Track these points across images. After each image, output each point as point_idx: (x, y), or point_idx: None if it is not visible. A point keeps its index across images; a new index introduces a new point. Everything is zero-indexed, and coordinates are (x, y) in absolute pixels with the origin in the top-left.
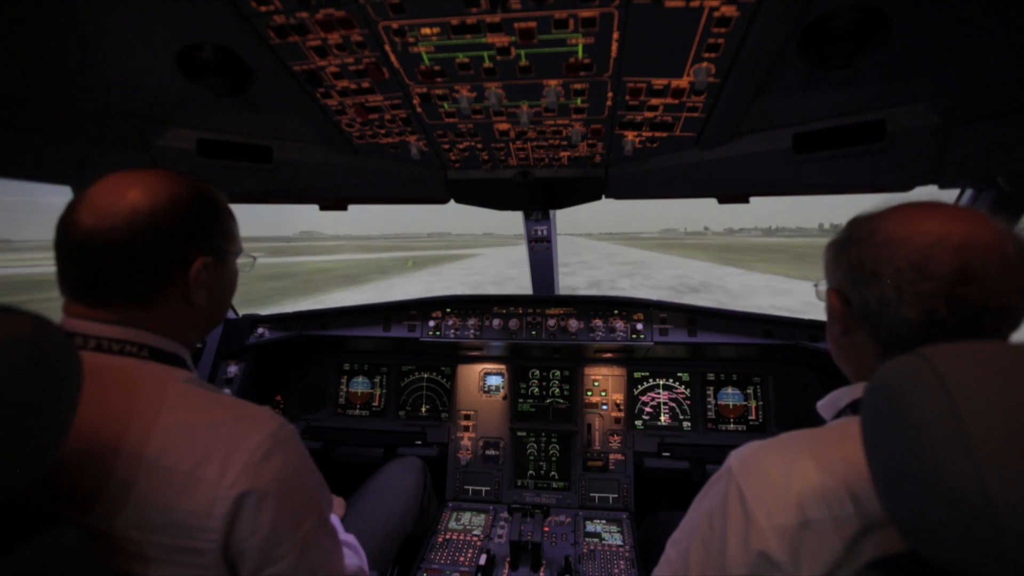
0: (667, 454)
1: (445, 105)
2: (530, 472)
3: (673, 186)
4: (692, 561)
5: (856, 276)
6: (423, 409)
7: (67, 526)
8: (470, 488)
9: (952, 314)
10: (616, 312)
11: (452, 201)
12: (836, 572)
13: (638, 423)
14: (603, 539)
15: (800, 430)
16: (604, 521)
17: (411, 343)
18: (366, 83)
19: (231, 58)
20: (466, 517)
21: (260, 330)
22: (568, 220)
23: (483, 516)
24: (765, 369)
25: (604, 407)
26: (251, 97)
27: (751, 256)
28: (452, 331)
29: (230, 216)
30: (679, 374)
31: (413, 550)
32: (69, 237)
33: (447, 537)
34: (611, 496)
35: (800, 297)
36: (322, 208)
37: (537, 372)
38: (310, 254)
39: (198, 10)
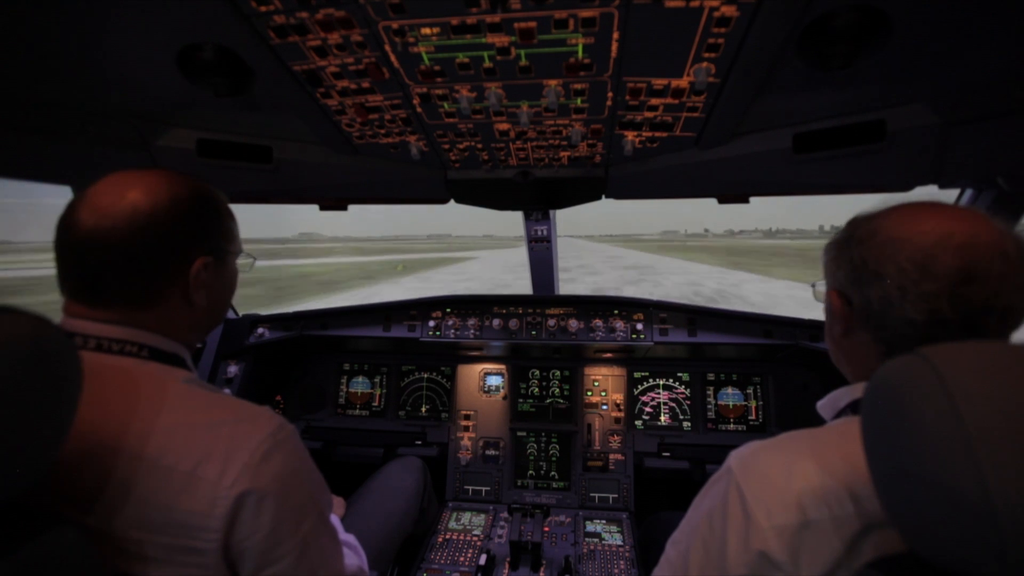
0: (667, 454)
1: (445, 105)
2: (530, 472)
3: (673, 186)
4: (692, 561)
5: (858, 276)
6: (423, 409)
7: (67, 526)
8: (470, 488)
9: (956, 314)
10: (616, 312)
11: (452, 201)
12: (836, 572)
13: (638, 423)
14: (603, 539)
15: (800, 430)
16: (604, 521)
17: (411, 343)
18: (366, 83)
19: (231, 58)
20: (466, 517)
21: (260, 330)
22: (568, 221)
23: (483, 516)
24: (765, 369)
25: (604, 407)
26: (251, 97)
27: (761, 259)
28: (452, 331)
29: (230, 216)
30: (679, 374)
31: (413, 550)
32: (69, 237)
33: (447, 537)
34: (611, 496)
35: None
36: (322, 208)
37: (537, 372)
38: (303, 257)
39: (198, 10)
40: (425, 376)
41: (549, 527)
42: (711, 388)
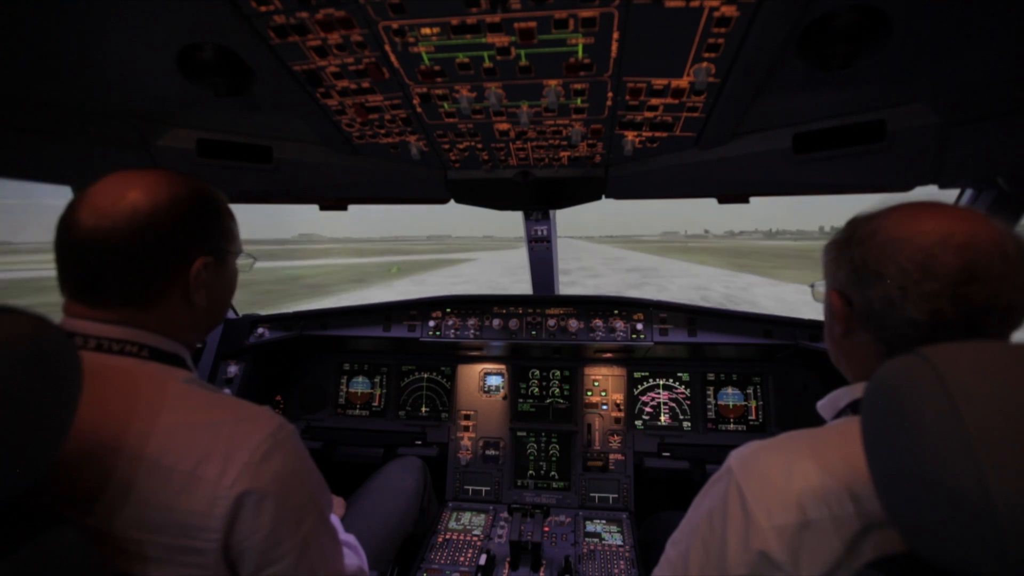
0: (667, 454)
1: (445, 105)
2: (530, 472)
3: (673, 186)
4: (692, 561)
5: (859, 277)
6: (423, 409)
7: (67, 526)
8: (470, 488)
9: (957, 313)
10: (616, 312)
11: (452, 201)
12: (836, 572)
13: (638, 423)
14: (603, 539)
15: (800, 430)
16: (604, 521)
17: (411, 343)
18: (366, 83)
19: (231, 58)
20: (466, 517)
21: (260, 330)
22: (568, 222)
23: (483, 516)
24: (765, 369)
25: (604, 407)
26: (251, 97)
27: (765, 261)
28: (452, 331)
29: (230, 216)
30: (679, 374)
31: (413, 550)
32: (69, 237)
33: (447, 537)
34: (611, 496)
35: None
36: (322, 208)
37: (537, 372)
38: (300, 258)
39: (198, 10)
40: (425, 376)
41: (549, 527)
42: (711, 388)
